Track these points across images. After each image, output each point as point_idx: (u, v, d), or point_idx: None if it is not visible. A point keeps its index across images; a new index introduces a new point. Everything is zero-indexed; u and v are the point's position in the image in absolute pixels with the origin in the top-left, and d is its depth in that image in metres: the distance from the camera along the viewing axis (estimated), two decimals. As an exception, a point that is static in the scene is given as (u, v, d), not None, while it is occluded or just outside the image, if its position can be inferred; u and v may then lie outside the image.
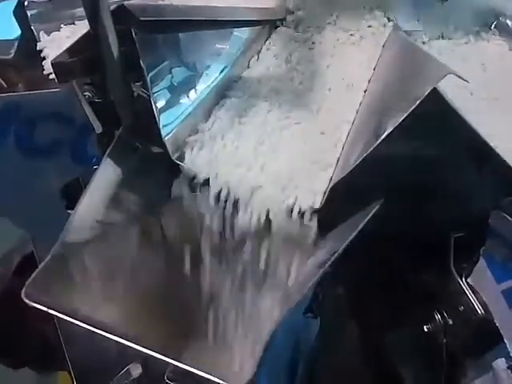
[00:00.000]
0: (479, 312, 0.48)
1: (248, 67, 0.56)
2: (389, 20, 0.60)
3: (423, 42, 0.60)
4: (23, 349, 0.90)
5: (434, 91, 0.35)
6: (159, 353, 0.37)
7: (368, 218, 0.35)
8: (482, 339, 0.49)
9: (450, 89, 0.38)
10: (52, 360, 0.88)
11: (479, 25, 0.61)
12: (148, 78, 0.42)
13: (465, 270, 0.50)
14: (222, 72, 0.52)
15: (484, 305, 0.48)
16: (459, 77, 0.34)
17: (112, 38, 0.41)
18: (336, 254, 0.34)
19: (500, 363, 0.45)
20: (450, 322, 0.54)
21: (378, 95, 0.48)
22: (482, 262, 0.46)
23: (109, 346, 0.68)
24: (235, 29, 0.57)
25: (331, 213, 0.40)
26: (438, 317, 0.55)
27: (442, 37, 0.61)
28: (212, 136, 0.46)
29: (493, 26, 0.61)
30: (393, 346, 0.61)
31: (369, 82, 0.52)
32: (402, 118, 0.35)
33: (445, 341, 0.55)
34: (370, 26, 0.60)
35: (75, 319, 0.37)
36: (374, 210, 0.36)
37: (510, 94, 0.52)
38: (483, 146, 0.37)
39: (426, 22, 0.60)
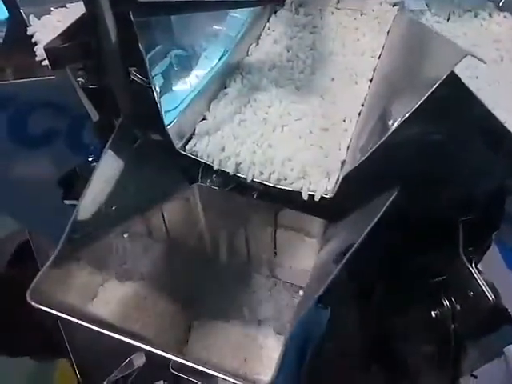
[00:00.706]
0: (489, 298, 0.48)
1: (248, 54, 0.54)
2: (394, 5, 0.58)
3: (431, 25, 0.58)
4: (22, 337, 0.90)
5: (452, 74, 0.33)
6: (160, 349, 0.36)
7: (384, 208, 0.34)
8: (491, 325, 0.48)
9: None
10: (52, 348, 0.88)
11: (487, 4, 0.59)
12: (146, 63, 0.40)
13: (475, 256, 0.49)
14: (221, 58, 0.50)
15: (494, 290, 0.47)
16: (477, 58, 0.33)
17: (110, 22, 0.39)
18: (353, 248, 0.32)
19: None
20: (458, 308, 0.54)
21: (386, 80, 0.46)
22: (493, 248, 0.46)
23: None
24: (233, 11, 0.54)
25: (343, 201, 0.38)
26: (446, 303, 0.54)
27: (449, 19, 0.59)
28: (218, 126, 0.44)
29: (501, 3, 0.59)
30: (401, 332, 0.60)
31: (374, 70, 0.50)
32: (419, 103, 0.33)
33: (453, 326, 0.54)
34: (373, 10, 0.57)
35: (80, 320, 0.36)
36: (390, 199, 0.35)
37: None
38: (499, 128, 0.36)
39: (434, 3, 0.58)
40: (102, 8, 0.38)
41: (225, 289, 0.64)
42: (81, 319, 0.37)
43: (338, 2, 0.58)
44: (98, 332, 0.37)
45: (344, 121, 0.44)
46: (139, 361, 0.76)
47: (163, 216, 0.63)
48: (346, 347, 0.60)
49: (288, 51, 0.53)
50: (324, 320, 0.46)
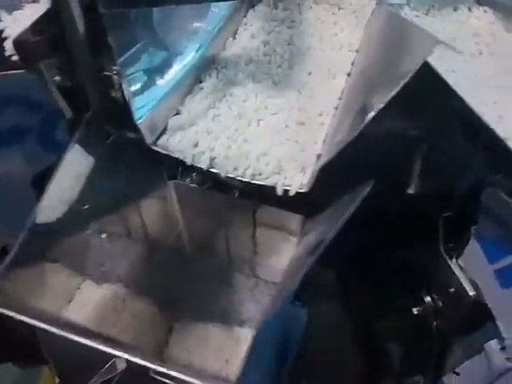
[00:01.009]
0: (470, 293, 0.47)
1: (224, 49, 0.53)
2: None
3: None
4: (4, 344, 0.88)
5: (426, 65, 0.33)
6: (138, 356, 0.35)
7: (357, 202, 0.33)
8: (473, 321, 0.48)
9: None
10: (35, 354, 0.86)
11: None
12: (115, 56, 0.39)
13: (455, 251, 0.49)
14: (197, 51, 0.49)
15: (475, 285, 0.47)
16: (450, 47, 0.32)
17: (77, 14, 0.38)
18: (326, 242, 0.32)
19: (493, 344, 0.44)
20: (440, 305, 0.53)
21: (363, 75, 0.46)
22: (473, 242, 0.45)
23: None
24: (213, 6, 0.54)
25: (319, 196, 0.38)
26: (427, 299, 0.54)
27: (428, 13, 0.58)
28: (192, 121, 0.43)
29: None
30: (383, 331, 0.60)
31: (352, 64, 0.50)
32: (393, 94, 0.32)
33: (435, 324, 0.54)
34: (351, 4, 0.57)
35: (43, 322, 0.35)
36: (365, 193, 0.34)
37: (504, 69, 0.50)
38: (476, 121, 0.35)
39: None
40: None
41: (206, 289, 0.63)
42: (51, 325, 0.35)
43: (317, -4, 0.58)
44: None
45: (321, 115, 0.44)
46: (121, 364, 0.74)
47: (141, 216, 0.61)
48: (328, 346, 0.59)
49: (265, 46, 0.52)
50: (303, 318, 0.46)
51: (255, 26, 0.55)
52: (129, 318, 0.60)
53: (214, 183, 0.51)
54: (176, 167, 0.49)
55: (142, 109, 0.41)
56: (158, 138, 0.42)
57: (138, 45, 0.44)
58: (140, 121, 0.40)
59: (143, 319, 0.61)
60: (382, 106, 0.33)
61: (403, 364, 0.61)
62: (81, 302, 0.63)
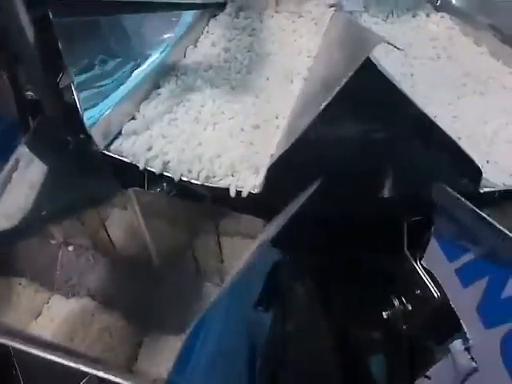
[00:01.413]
0: (435, 294, 0.47)
1: (184, 56, 0.54)
2: (331, 6, 0.58)
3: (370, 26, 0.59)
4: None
5: (368, 61, 0.33)
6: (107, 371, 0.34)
7: (302, 199, 0.33)
8: (441, 323, 0.47)
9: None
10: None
11: (424, 5, 0.60)
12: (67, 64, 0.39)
13: (418, 253, 0.49)
14: (157, 59, 0.49)
15: (439, 286, 0.47)
16: (391, 44, 0.33)
17: (26, 23, 0.38)
18: (272, 233, 0.31)
19: (457, 345, 0.44)
20: (409, 308, 0.53)
21: (318, 78, 0.46)
22: (433, 242, 0.45)
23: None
24: (174, 15, 0.54)
25: (274, 197, 0.37)
26: (396, 302, 0.53)
27: (387, 19, 0.59)
28: (147, 125, 0.43)
29: (438, 2, 0.60)
30: (354, 336, 0.59)
31: (309, 69, 0.50)
32: (336, 92, 0.33)
33: (404, 327, 0.53)
34: (311, 12, 0.58)
35: (9, 338, 0.34)
36: (309, 192, 0.34)
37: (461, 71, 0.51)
38: (421, 116, 0.36)
39: (372, 4, 0.59)
40: (17, 8, 0.37)
41: (176, 300, 0.62)
42: (18, 341, 0.34)
43: (277, 5, 0.58)
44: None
45: (277, 118, 0.44)
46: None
47: (105, 227, 0.61)
48: (302, 352, 0.58)
49: (226, 52, 0.53)
50: (266, 323, 0.45)
51: (216, 34, 0.56)
52: (97, 332, 0.59)
53: (178, 191, 0.50)
54: (141, 176, 0.49)
55: (95, 114, 0.41)
56: (111, 143, 0.41)
57: (91, 53, 0.44)
58: (93, 127, 0.40)
59: (112, 334, 0.60)
60: (326, 103, 0.33)
61: (377, 369, 0.60)
62: (49, 316, 0.62)
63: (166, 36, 0.53)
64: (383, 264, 0.55)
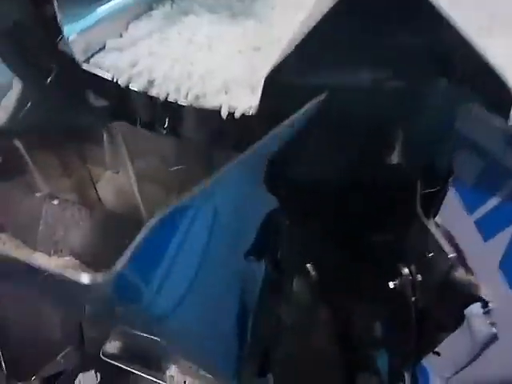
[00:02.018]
0: (449, 254, 0.41)
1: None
2: None
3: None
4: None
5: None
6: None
7: (308, 108, 0.28)
8: (453, 285, 0.42)
9: None
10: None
11: None
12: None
13: (432, 209, 0.43)
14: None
15: (456, 245, 0.41)
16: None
17: None
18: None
19: (474, 309, 0.38)
20: (419, 278, 0.47)
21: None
22: (451, 193, 0.40)
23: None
24: None
25: (269, 112, 0.32)
26: (405, 271, 0.48)
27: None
28: (133, 42, 0.38)
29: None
30: (358, 309, 0.54)
31: None
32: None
33: (413, 299, 0.48)
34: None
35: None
36: (316, 102, 0.29)
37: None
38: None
39: None
40: None
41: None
42: None
43: None
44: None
45: (280, 40, 0.39)
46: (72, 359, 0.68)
47: (94, 184, 0.57)
48: (304, 329, 0.53)
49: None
50: (258, 274, 0.40)
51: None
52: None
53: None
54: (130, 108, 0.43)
55: (76, 28, 0.37)
56: (91, 57, 0.37)
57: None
58: (72, 39, 0.36)
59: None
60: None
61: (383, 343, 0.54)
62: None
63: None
64: (393, 226, 0.49)
